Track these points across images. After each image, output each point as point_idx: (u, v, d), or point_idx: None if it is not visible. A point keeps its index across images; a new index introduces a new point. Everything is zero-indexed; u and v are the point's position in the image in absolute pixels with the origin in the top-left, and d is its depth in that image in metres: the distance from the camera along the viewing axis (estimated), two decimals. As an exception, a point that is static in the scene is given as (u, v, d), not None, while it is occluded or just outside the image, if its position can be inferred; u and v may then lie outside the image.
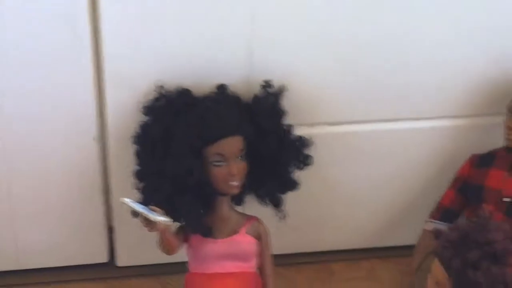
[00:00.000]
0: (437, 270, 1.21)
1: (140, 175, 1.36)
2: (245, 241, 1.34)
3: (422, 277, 1.51)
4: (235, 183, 1.31)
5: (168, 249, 1.31)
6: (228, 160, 1.29)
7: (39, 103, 1.38)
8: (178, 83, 1.35)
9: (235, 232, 1.35)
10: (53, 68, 1.34)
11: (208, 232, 1.33)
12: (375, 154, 1.53)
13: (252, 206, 1.42)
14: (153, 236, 1.37)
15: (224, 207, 1.35)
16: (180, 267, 1.50)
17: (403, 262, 1.62)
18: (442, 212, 1.50)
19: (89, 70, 1.36)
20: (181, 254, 1.37)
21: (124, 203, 1.23)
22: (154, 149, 1.32)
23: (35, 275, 1.57)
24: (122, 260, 1.58)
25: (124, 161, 1.42)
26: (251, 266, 1.36)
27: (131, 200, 1.23)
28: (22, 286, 1.56)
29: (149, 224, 1.22)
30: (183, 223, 1.34)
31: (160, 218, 1.21)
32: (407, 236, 1.61)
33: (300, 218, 1.54)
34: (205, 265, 1.34)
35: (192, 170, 1.28)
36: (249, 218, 1.38)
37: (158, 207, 1.23)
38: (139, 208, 1.22)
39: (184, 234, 1.35)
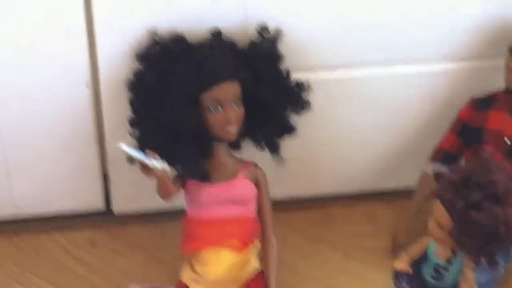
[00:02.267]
0: (439, 212, 1.20)
1: (135, 122, 1.34)
2: (243, 186, 1.33)
3: (421, 220, 1.53)
4: (232, 129, 1.29)
5: (166, 195, 1.30)
6: (224, 106, 1.27)
7: (29, 50, 1.34)
8: (171, 28, 1.32)
9: (233, 177, 1.33)
10: (43, 14, 1.31)
11: (205, 178, 1.31)
12: (373, 98, 1.51)
13: (250, 152, 1.41)
14: (150, 183, 1.36)
15: (222, 153, 1.33)
16: (178, 214, 1.49)
17: (401, 205, 1.61)
18: (442, 155, 1.49)
19: (81, 15, 1.32)
20: (179, 201, 1.36)
21: (120, 149, 1.21)
22: (148, 97, 1.30)
23: (31, 223, 1.56)
24: (119, 207, 1.57)
25: (118, 108, 1.39)
26: (249, 211, 1.35)
27: (128, 146, 1.21)
28: (18, 234, 1.55)
29: (146, 170, 1.20)
30: (180, 169, 1.32)
31: (157, 163, 1.19)
32: (406, 179, 1.60)
33: (297, 163, 1.52)
34: (203, 210, 1.33)
35: (188, 117, 1.26)
36: (247, 163, 1.36)
37: (155, 153, 1.21)
38: (136, 153, 1.20)
39: (181, 180, 1.33)
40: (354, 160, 1.59)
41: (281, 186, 1.50)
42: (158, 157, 1.20)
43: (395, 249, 1.49)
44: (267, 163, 1.38)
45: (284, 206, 1.59)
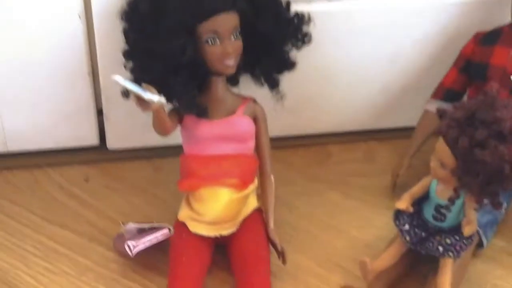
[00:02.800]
0: (442, 150, 1.17)
1: (129, 54, 1.29)
2: (242, 122, 1.29)
3: (422, 159, 1.50)
4: (230, 63, 1.24)
5: (162, 130, 1.26)
6: (222, 38, 1.22)
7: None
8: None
9: (231, 112, 1.29)
10: None
11: (203, 113, 1.27)
12: (376, 33, 1.47)
13: (248, 88, 1.36)
14: (145, 118, 1.32)
15: (219, 87, 1.29)
16: (173, 151, 1.46)
17: (401, 143, 1.58)
18: (445, 92, 1.45)
19: None
20: (175, 137, 1.33)
21: (114, 81, 1.16)
22: (143, 27, 1.24)
23: (24, 159, 1.53)
24: (113, 143, 1.54)
25: (111, 40, 1.35)
26: (248, 148, 1.31)
27: (122, 78, 1.17)
28: (11, 170, 1.52)
29: (142, 103, 1.16)
30: (177, 104, 1.28)
31: (153, 97, 1.15)
32: (406, 118, 1.57)
33: (296, 100, 1.49)
34: (200, 147, 1.29)
35: (184, 49, 1.21)
36: (245, 98, 1.32)
37: (151, 86, 1.17)
38: (131, 86, 1.15)
39: (178, 115, 1.29)
40: (354, 97, 1.55)
41: (279, 123, 1.47)
42: (154, 90, 1.16)
43: (395, 188, 1.47)
44: (266, 99, 1.34)
45: (282, 143, 1.56)
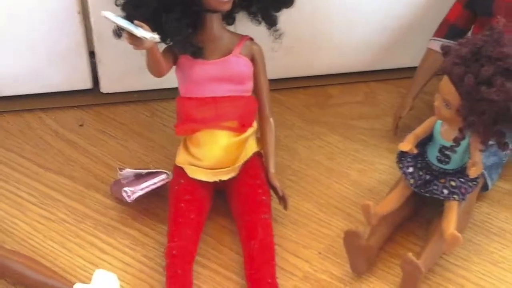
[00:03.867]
0: (447, 88, 1.13)
1: (120, -9, 1.24)
2: (239, 62, 1.25)
3: (424, 100, 1.46)
4: None
5: (156, 70, 1.21)
6: None
7: None
8: None
9: (227, 52, 1.25)
10: None
11: (198, 52, 1.22)
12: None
13: (244, 27, 1.31)
14: (138, 60, 1.28)
15: (215, 25, 1.24)
16: (168, 93, 1.43)
17: (403, 84, 1.54)
18: (448, 29, 1.40)
19: None
20: (170, 80, 1.28)
21: (105, 18, 1.11)
22: (134, -38, 1.19)
23: (18, 102, 1.49)
24: (107, 86, 1.50)
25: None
26: (246, 89, 1.27)
27: (113, 14, 1.12)
28: (2, 114, 1.48)
29: (135, 40, 1.11)
30: (171, 43, 1.23)
31: (146, 34, 1.10)
32: (407, 57, 1.53)
33: (294, 40, 1.44)
34: (196, 88, 1.25)
35: None
36: (242, 37, 1.27)
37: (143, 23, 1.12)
38: (123, 23, 1.10)
39: (172, 55, 1.24)
40: (354, 36, 1.50)
41: (277, 64, 1.42)
42: (146, 26, 1.11)
43: (397, 131, 1.43)
44: (263, 39, 1.29)
45: (280, 85, 1.52)
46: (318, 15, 1.46)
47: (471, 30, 1.41)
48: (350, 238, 1.19)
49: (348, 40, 1.51)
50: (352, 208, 1.32)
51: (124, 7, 1.22)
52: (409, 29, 1.51)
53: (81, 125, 1.47)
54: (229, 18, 1.30)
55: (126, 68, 1.45)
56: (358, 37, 1.51)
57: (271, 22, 1.28)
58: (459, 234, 1.16)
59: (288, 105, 1.52)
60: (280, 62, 1.46)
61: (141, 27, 1.11)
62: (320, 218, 1.31)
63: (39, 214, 1.30)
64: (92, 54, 1.46)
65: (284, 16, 1.29)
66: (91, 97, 1.50)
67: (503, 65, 1.09)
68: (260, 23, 1.28)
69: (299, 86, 1.56)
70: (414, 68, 1.44)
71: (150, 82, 1.33)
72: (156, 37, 1.11)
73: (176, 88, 1.30)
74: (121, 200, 1.30)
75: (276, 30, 1.28)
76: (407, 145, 1.20)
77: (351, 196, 1.35)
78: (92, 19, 1.39)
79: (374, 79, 1.58)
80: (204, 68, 1.24)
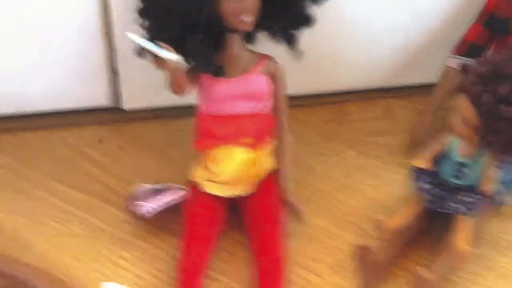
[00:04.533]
0: (465, 106, 1.13)
1: (145, 12, 1.26)
2: (259, 80, 1.26)
3: (440, 117, 1.46)
4: (247, 18, 1.21)
5: (178, 90, 1.23)
6: None
7: None
8: None
9: (248, 71, 1.26)
10: None
11: (219, 71, 1.24)
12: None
13: (265, 45, 1.32)
14: (159, 78, 1.30)
15: (236, 45, 1.26)
16: (186, 111, 1.44)
17: (419, 101, 1.55)
18: (467, 47, 1.41)
19: None
20: (189, 97, 1.29)
21: (130, 39, 1.14)
22: (159, -15, 1.21)
23: (42, 119, 1.51)
24: (128, 103, 1.52)
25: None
26: (265, 107, 1.28)
27: (138, 36, 1.14)
28: (28, 130, 1.50)
29: (159, 61, 1.14)
30: (193, 63, 1.25)
31: (171, 55, 1.12)
32: (425, 75, 1.54)
33: (315, 57, 1.45)
34: (217, 106, 1.26)
35: (202, 5, 1.18)
36: (263, 56, 1.29)
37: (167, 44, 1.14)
38: (148, 44, 1.13)
39: (194, 75, 1.26)
40: (373, 53, 1.51)
41: (296, 81, 1.42)
42: (170, 48, 1.13)
43: (413, 146, 1.43)
44: (283, 57, 1.30)
45: (299, 102, 1.52)
46: (337, 33, 1.47)
47: (490, 48, 1.41)
48: (361, 253, 1.19)
49: (367, 57, 1.52)
50: (366, 223, 1.32)
51: (149, 29, 1.25)
52: (426, 48, 1.52)
53: (100, 141, 1.49)
54: (250, 37, 1.31)
55: (146, 86, 1.47)
56: (378, 54, 1.52)
57: (291, 41, 1.29)
58: (470, 249, 1.16)
59: (306, 122, 1.53)
60: (298, 79, 1.46)
61: (166, 49, 1.13)
62: (333, 233, 1.31)
63: (56, 229, 1.32)
64: (113, 72, 1.48)
65: (303, 34, 1.30)
66: (110, 114, 1.53)
67: (521, 84, 1.09)
68: (280, 42, 1.30)
69: (317, 102, 1.57)
70: (430, 85, 1.45)
71: (169, 99, 1.35)
72: (180, 58, 1.14)
73: (193, 106, 1.32)
74: (135, 214, 1.31)
75: (296, 49, 1.29)
76: (423, 162, 1.20)
77: (366, 211, 1.35)
78: (116, 39, 1.41)
79: (392, 96, 1.58)
80: (225, 87, 1.25)
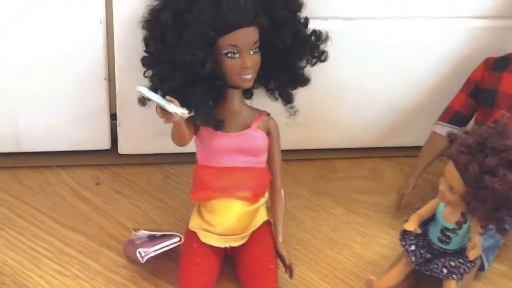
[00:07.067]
0: (452, 175, 1.20)
1: (148, 62, 1.32)
2: (256, 136, 1.32)
3: (426, 180, 1.53)
4: (248, 76, 1.27)
5: (180, 141, 1.28)
6: (241, 52, 1.25)
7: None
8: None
9: (246, 126, 1.32)
10: None
11: (219, 125, 1.29)
12: (388, 53, 1.50)
13: (260, 100, 1.39)
14: (156, 125, 1.36)
15: (236, 100, 1.32)
16: (183, 158, 1.49)
17: (405, 162, 1.61)
18: (452, 115, 1.48)
19: None
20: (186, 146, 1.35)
21: (139, 92, 1.19)
22: (164, 36, 1.27)
23: (37, 158, 1.54)
24: (125, 147, 1.56)
25: (130, 46, 1.38)
26: (261, 161, 1.34)
27: (148, 90, 1.20)
28: (23, 168, 1.53)
29: (165, 114, 1.19)
30: (193, 115, 1.30)
31: (177, 109, 1.18)
32: (412, 137, 1.60)
33: (305, 114, 1.49)
34: (214, 158, 1.31)
35: (205, 61, 1.24)
36: (260, 112, 1.35)
37: (174, 98, 1.19)
38: (156, 98, 1.18)
39: (193, 126, 1.31)
40: (363, 114, 1.58)
41: (286, 137, 1.48)
42: (177, 102, 1.19)
43: (399, 207, 1.50)
44: (277, 114, 1.37)
45: (288, 156, 1.57)
46: (329, 93, 1.53)
47: (474, 117, 1.49)
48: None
49: (356, 117, 1.58)
50: (353, 281, 1.37)
51: (152, 79, 1.30)
52: (414, 111, 1.58)
53: (97, 184, 1.52)
54: (247, 93, 1.37)
55: (144, 132, 1.51)
56: (367, 115, 1.58)
57: (287, 99, 1.36)
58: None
59: (296, 176, 1.59)
60: (289, 134, 1.52)
61: (172, 102, 1.18)
62: (322, 289, 1.37)
63: (53, 269, 1.35)
64: (112, 117, 1.53)
65: (299, 92, 1.37)
66: (108, 157, 1.57)
67: (507, 156, 1.15)
68: (277, 99, 1.36)
69: (306, 158, 1.62)
70: (417, 147, 1.52)
71: (166, 146, 1.40)
72: (185, 112, 1.19)
73: (189, 154, 1.37)
74: (132, 259, 1.35)
75: (292, 107, 1.36)
76: (411, 225, 1.26)
77: (353, 268, 1.40)
78: (117, 85, 1.46)
79: (380, 156, 1.65)
80: (223, 140, 1.30)
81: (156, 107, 1.19)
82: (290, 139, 1.54)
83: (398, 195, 1.50)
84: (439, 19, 1.49)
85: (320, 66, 1.37)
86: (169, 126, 1.26)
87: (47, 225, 1.42)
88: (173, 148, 1.35)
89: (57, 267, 1.35)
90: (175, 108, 1.18)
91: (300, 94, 1.38)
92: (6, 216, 1.44)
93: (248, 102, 1.38)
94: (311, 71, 1.36)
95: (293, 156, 1.60)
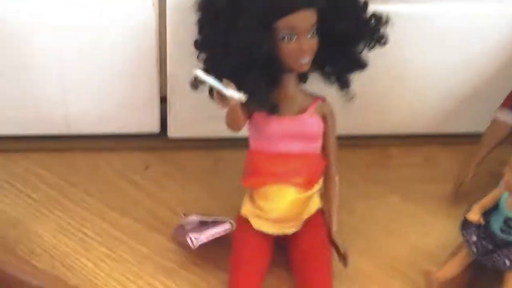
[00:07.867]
0: (517, 163, 1.15)
1: (202, 45, 1.28)
2: (312, 121, 1.28)
3: (484, 169, 1.47)
4: (305, 60, 1.23)
5: (235, 126, 1.25)
6: (299, 36, 1.21)
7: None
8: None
9: (302, 111, 1.28)
10: None
11: (274, 109, 1.26)
12: (450, 37, 1.43)
13: (315, 85, 1.35)
14: (208, 109, 1.32)
15: (291, 84, 1.28)
16: (233, 143, 1.45)
17: (464, 150, 1.56)
18: (515, 102, 1.43)
19: None
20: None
21: (196, 76, 1.16)
22: (218, 19, 1.23)
23: (86, 141, 1.53)
24: (174, 131, 1.53)
25: (183, 29, 1.34)
26: (316, 147, 1.30)
27: (204, 73, 1.16)
28: (72, 151, 1.51)
29: (222, 99, 1.15)
30: (248, 99, 1.27)
31: (234, 93, 1.14)
32: (471, 124, 1.55)
33: (363, 100, 1.45)
34: (268, 143, 1.28)
35: (260, 44, 1.19)
36: (316, 97, 1.31)
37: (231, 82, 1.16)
38: (213, 81, 1.15)
39: (247, 111, 1.27)
40: (422, 100, 1.52)
41: (343, 123, 1.45)
42: (234, 86, 1.15)
43: (456, 195, 1.45)
44: (333, 97, 1.32)
45: (342, 143, 1.53)
46: (388, 77, 1.48)
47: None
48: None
49: (415, 102, 1.52)
50: (410, 271, 1.33)
51: (205, 62, 1.27)
52: (477, 97, 1.52)
53: (146, 168, 1.50)
54: (303, 76, 1.33)
55: (195, 116, 1.48)
56: (426, 101, 1.53)
57: (344, 84, 1.31)
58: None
59: (348, 163, 1.54)
60: (345, 120, 1.47)
61: (229, 86, 1.15)
62: (379, 278, 1.32)
63: (102, 252, 1.33)
64: (162, 100, 1.50)
65: (356, 76, 1.32)
66: (157, 141, 1.54)
67: None
68: (333, 84, 1.32)
69: (360, 144, 1.58)
70: (477, 135, 1.46)
71: (217, 130, 1.37)
72: (242, 96, 1.15)
73: (241, 138, 1.34)
74: (183, 245, 1.32)
75: (349, 92, 1.32)
76: (475, 215, 1.22)
77: (410, 258, 1.36)
78: (168, 68, 1.43)
79: (436, 143, 1.59)
80: (278, 125, 1.27)
81: (212, 91, 1.16)
82: (342, 124, 1.50)
83: (456, 183, 1.45)
84: (504, 4, 1.43)
85: (378, 49, 1.32)
86: (220, 110, 1.23)
87: (96, 208, 1.41)
88: (222, 132, 1.33)
89: (106, 251, 1.33)
90: (232, 92, 1.14)
91: (356, 77, 1.33)
92: (56, 199, 1.42)
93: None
94: (368, 53, 1.31)
95: (346, 141, 1.54)
